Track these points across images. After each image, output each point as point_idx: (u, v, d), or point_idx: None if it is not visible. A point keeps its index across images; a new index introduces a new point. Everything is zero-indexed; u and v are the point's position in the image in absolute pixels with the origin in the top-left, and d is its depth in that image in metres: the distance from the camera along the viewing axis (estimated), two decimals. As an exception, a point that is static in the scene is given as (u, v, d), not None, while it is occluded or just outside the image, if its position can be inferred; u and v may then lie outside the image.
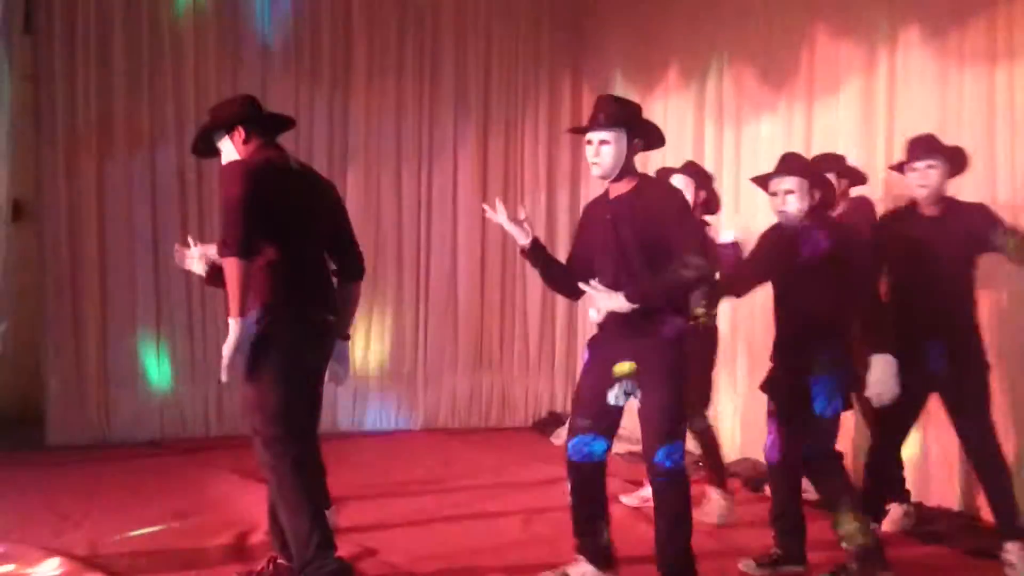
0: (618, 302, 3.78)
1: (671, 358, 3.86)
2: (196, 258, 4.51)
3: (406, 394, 8.05)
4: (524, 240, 4.07)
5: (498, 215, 4.08)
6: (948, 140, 5.22)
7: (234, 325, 3.71)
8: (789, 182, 4.28)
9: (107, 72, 7.06)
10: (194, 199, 7.23)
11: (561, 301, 8.36)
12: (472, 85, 8.21)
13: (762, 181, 4.48)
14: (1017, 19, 5.00)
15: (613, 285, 3.83)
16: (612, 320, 3.91)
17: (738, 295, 4.88)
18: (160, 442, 7.08)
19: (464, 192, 8.18)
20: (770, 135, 6.48)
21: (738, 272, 4.86)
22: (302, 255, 4.00)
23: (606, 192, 4.02)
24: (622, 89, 7.83)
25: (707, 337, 5.27)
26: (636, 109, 4.01)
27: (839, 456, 4.33)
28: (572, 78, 8.58)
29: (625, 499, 5.59)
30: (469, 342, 8.20)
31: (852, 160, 5.58)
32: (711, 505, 5.22)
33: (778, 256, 4.39)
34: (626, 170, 3.91)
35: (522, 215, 4.13)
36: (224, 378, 3.76)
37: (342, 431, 7.50)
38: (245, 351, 3.75)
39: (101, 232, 7.07)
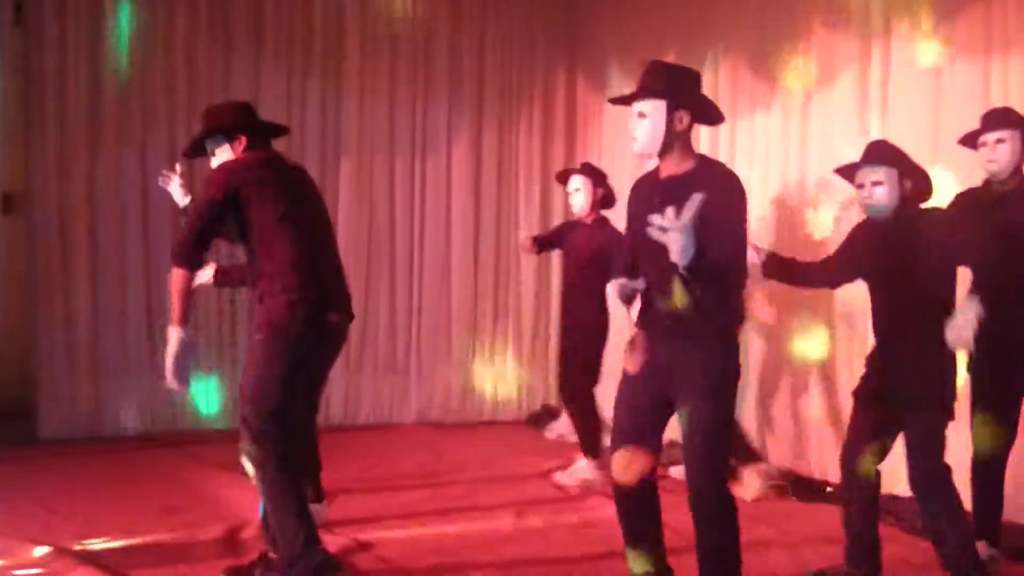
0: (679, 256, 3.16)
1: (715, 366, 3.38)
2: (178, 186, 5.25)
3: (399, 387, 8.03)
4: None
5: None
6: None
7: (173, 333, 3.79)
8: (877, 172, 3.89)
9: (98, 64, 7.01)
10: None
11: (555, 294, 8.33)
12: (466, 77, 8.18)
13: (847, 172, 4.09)
14: (1011, 11, 4.98)
15: (660, 283, 3.37)
16: (656, 314, 3.46)
17: (832, 287, 4.67)
18: (151, 436, 7.05)
19: (458, 185, 8.16)
20: (764, 128, 6.47)
21: (824, 266, 4.42)
22: (318, 251, 4.03)
23: (657, 169, 3.55)
24: (617, 82, 7.81)
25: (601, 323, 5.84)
26: (683, 77, 3.49)
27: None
28: (567, 70, 8.55)
29: (561, 476, 6.01)
30: (462, 335, 8.18)
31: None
32: (575, 469, 5.93)
33: (877, 253, 3.98)
34: (674, 147, 3.42)
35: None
36: (175, 387, 3.84)
37: (335, 424, 7.48)
38: (183, 361, 3.80)
39: (92, 225, 7.03)
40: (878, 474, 4.06)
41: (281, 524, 3.81)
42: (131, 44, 7.09)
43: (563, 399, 6.30)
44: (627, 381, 3.58)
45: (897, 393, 3.92)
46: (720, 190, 3.31)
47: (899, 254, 3.90)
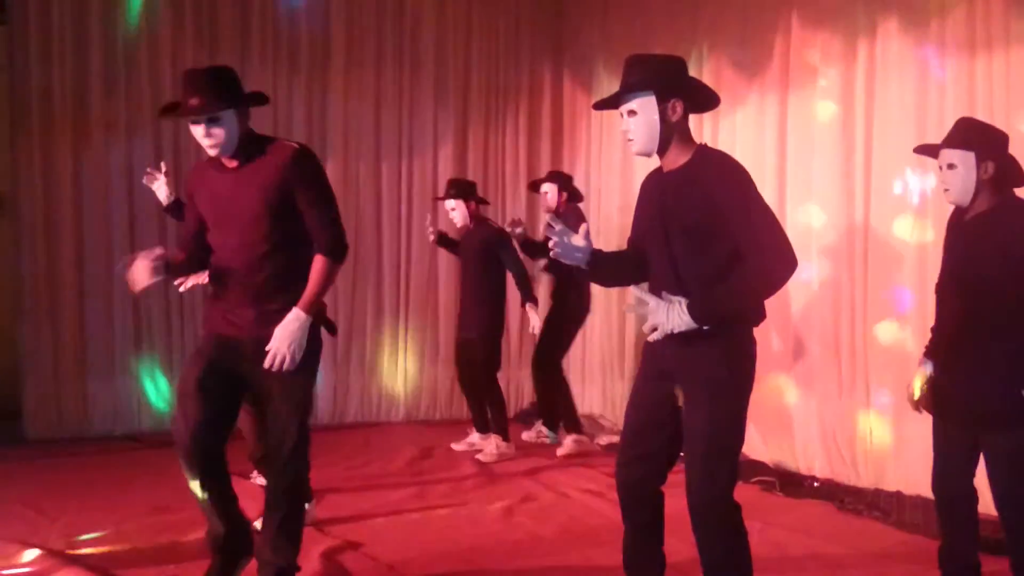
0: (679, 320, 3.06)
1: (725, 371, 3.14)
2: (164, 184, 5.10)
3: (387, 386, 8.04)
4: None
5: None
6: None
7: (305, 320, 3.58)
8: (952, 154, 3.55)
9: (83, 61, 6.99)
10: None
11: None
12: (452, 76, 8.19)
13: (932, 151, 3.73)
14: (995, 9, 5.01)
15: (663, 283, 3.21)
16: None
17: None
18: (138, 436, 7.03)
19: (444, 184, 8.12)
20: (746, 126, 6.49)
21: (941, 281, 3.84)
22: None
23: (661, 165, 3.34)
24: (603, 80, 7.82)
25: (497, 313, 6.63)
26: (666, 65, 3.27)
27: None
28: (552, 68, 8.56)
29: (455, 445, 6.83)
30: (450, 334, 8.16)
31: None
32: (490, 447, 6.55)
33: (950, 245, 3.66)
34: (671, 140, 3.21)
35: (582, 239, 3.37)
36: (289, 366, 3.55)
37: (323, 423, 7.48)
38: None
39: (78, 223, 7.01)
40: (975, 490, 3.69)
41: (297, 534, 3.77)
42: (116, 43, 7.07)
43: (474, 382, 6.77)
44: (637, 382, 3.43)
45: (972, 411, 3.57)
46: (719, 179, 3.13)
47: (975, 246, 3.54)
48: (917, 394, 3.79)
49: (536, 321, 6.54)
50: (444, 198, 6.70)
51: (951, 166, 3.57)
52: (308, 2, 7.68)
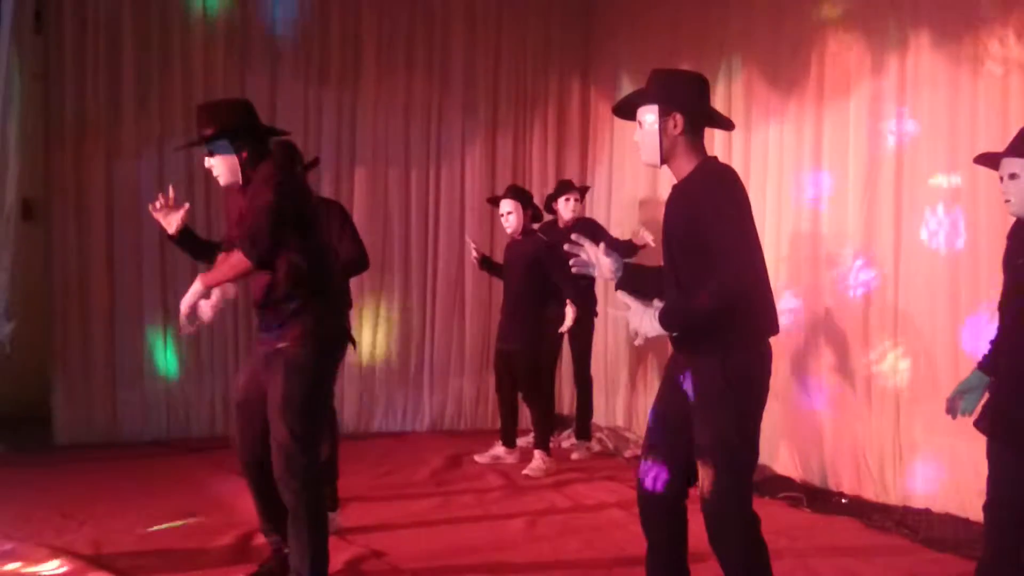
0: (650, 326, 3.14)
1: (723, 384, 3.15)
2: (181, 215, 4.34)
3: (412, 395, 8.05)
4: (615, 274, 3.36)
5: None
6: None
7: (199, 286, 3.90)
8: (1013, 163, 3.40)
9: (117, 72, 7.07)
10: (202, 198, 7.19)
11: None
12: (481, 86, 8.21)
13: (992, 161, 3.56)
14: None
15: (668, 292, 3.28)
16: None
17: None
18: (166, 442, 7.09)
19: (472, 193, 8.18)
20: (779, 139, 6.45)
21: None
22: (329, 259, 4.15)
23: None
24: (629, 91, 7.79)
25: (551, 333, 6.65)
26: (677, 81, 3.37)
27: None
28: (581, 80, 8.57)
29: (478, 457, 6.77)
30: (476, 344, 8.19)
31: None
32: (535, 463, 6.43)
33: (1011, 261, 3.49)
34: (675, 152, 3.29)
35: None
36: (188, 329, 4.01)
37: (348, 432, 7.48)
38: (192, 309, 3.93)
39: (109, 232, 7.07)
40: None
41: (319, 543, 3.84)
42: (151, 54, 7.15)
43: (511, 394, 6.78)
44: (658, 393, 3.47)
45: None
46: (702, 194, 3.18)
47: None
48: (965, 404, 3.61)
49: (570, 321, 6.53)
50: (502, 198, 6.61)
51: (1013, 176, 3.40)
52: (341, 15, 7.74)
